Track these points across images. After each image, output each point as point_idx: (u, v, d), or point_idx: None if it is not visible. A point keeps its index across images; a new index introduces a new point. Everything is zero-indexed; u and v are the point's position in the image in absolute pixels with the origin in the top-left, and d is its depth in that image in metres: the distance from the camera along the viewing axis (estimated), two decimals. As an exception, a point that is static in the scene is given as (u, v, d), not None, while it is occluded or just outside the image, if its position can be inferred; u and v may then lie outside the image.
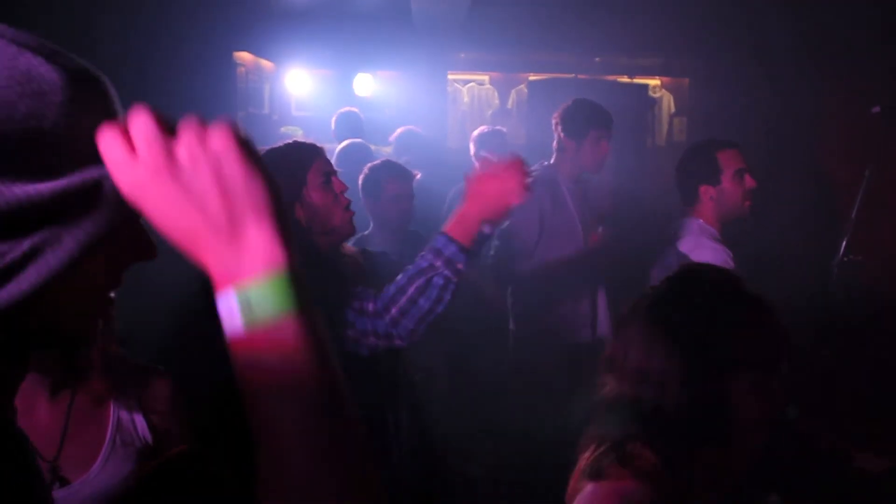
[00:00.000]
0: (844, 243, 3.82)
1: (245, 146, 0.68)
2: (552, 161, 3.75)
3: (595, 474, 1.40)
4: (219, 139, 0.67)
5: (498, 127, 5.06)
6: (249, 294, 0.65)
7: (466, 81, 9.32)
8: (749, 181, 3.05)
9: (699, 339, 1.39)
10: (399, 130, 5.34)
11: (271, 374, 0.65)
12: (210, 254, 0.67)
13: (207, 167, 0.66)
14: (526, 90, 8.20)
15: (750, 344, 1.41)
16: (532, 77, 8.31)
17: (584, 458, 1.45)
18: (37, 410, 1.71)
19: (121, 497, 1.61)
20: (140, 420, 1.80)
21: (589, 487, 1.39)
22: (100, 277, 0.74)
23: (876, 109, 3.95)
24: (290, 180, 2.20)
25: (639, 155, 6.39)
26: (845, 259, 3.77)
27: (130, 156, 0.66)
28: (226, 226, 0.66)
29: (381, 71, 8.36)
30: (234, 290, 0.66)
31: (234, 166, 0.66)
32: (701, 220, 3.08)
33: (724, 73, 6.71)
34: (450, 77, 8.90)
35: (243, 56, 7.44)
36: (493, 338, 3.72)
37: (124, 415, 1.79)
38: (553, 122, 3.73)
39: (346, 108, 5.53)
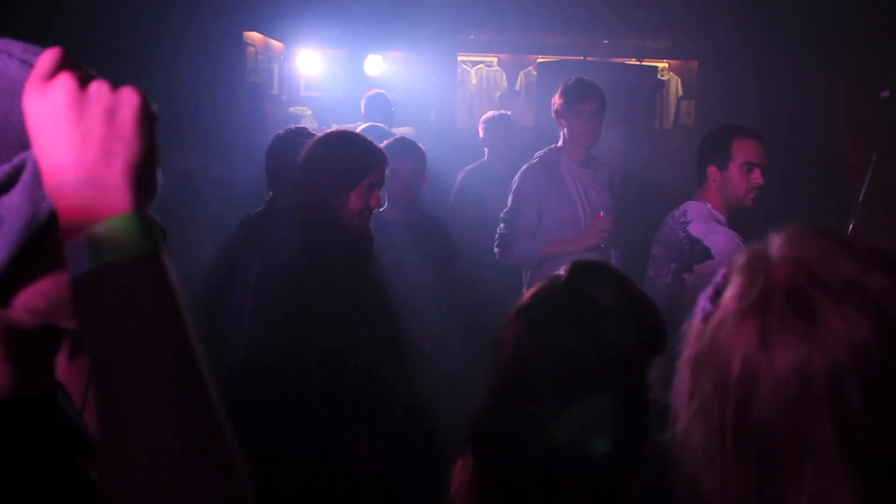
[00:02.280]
0: (851, 227, 3.83)
1: (146, 109, 0.73)
2: (558, 144, 3.79)
3: None
4: (127, 93, 0.73)
5: (504, 111, 5.08)
6: (99, 233, 0.68)
7: (475, 63, 9.32)
8: (756, 177, 3.06)
9: (600, 340, 1.37)
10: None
11: (113, 315, 0.67)
12: (70, 190, 0.69)
13: (104, 107, 0.71)
14: (534, 72, 8.20)
15: (640, 339, 1.40)
16: (540, 59, 8.31)
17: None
18: (58, 370, 1.79)
19: None
20: None
21: None
22: None
23: (885, 94, 3.95)
24: (350, 171, 2.44)
25: (647, 137, 6.40)
26: (851, 243, 3.78)
27: (46, 81, 0.72)
28: (94, 162, 0.70)
29: (391, 52, 8.37)
30: (84, 231, 0.68)
31: (127, 117, 0.72)
32: (709, 205, 3.11)
33: (733, 56, 6.70)
34: (458, 58, 8.90)
35: (253, 36, 7.45)
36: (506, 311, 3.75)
37: None
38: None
39: (375, 91, 5.59)
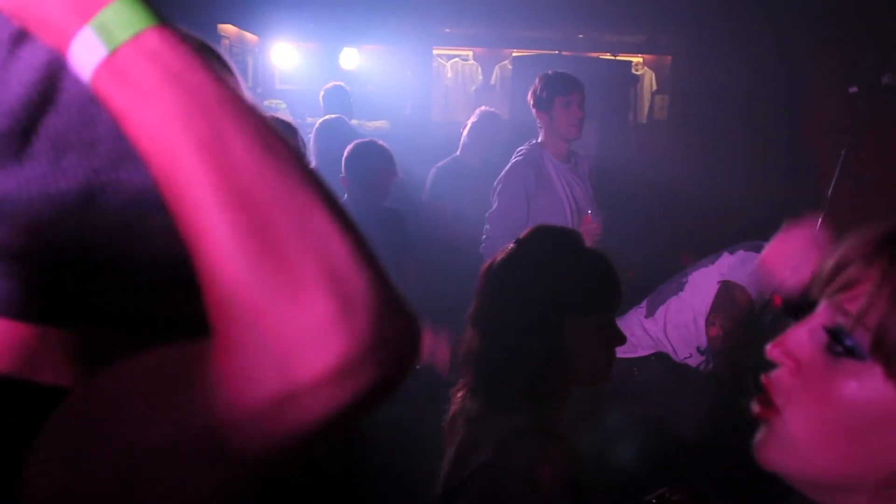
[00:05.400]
0: (820, 220, 3.88)
1: None
2: (539, 140, 3.74)
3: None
4: None
5: (493, 109, 5.03)
6: (105, 17, 0.60)
7: (450, 56, 9.31)
8: None
9: (536, 290, 1.59)
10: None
11: (150, 85, 0.59)
12: None
13: None
14: (510, 66, 8.22)
15: (582, 293, 1.61)
16: (516, 53, 8.32)
17: (457, 401, 1.66)
18: None
19: None
20: None
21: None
22: None
23: (853, 89, 4.00)
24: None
25: (620, 132, 6.44)
26: (821, 236, 3.83)
27: None
28: None
29: (366, 45, 8.34)
30: (88, 22, 0.60)
31: None
32: None
33: (706, 51, 6.75)
34: (434, 52, 8.89)
35: (227, 28, 7.40)
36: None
37: None
38: (529, 103, 3.75)
39: (333, 83, 5.52)
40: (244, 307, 0.55)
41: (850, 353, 0.78)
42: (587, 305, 1.62)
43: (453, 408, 1.68)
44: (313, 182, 0.59)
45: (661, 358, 3.18)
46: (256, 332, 0.54)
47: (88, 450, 0.58)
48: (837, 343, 0.79)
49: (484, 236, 3.65)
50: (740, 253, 3.15)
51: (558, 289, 1.60)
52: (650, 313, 3.20)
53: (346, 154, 3.58)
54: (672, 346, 3.17)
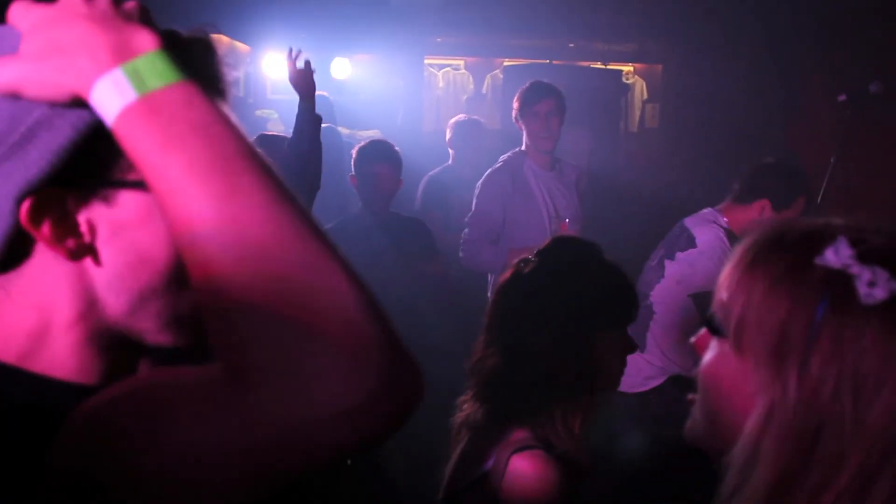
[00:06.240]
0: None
1: None
2: (522, 148, 3.78)
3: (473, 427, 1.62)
4: None
5: (474, 116, 5.08)
6: (138, 65, 0.65)
7: (441, 66, 9.32)
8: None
9: (559, 305, 1.57)
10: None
11: (177, 131, 0.63)
12: (86, 42, 0.65)
13: None
14: (501, 75, 8.24)
15: (609, 307, 1.61)
16: (507, 62, 8.34)
17: (464, 409, 1.66)
18: None
19: None
20: None
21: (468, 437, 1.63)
22: None
23: (842, 98, 4.03)
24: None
25: (612, 140, 6.46)
26: (810, 243, 3.84)
27: None
28: (108, 14, 0.67)
29: (358, 54, 8.35)
30: (120, 66, 0.65)
31: None
32: (726, 219, 3.10)
33: (697, 60, 6.78)
34: (425, 61, 8.91)
35: (219, 39, 7.40)
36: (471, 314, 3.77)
37: None
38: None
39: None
40: (265, 346, 0.60)
41: (721, 334, 0.90)
42: (609, 319, 1.61)
43: (460, 415, 1.67)
44: (321, 234, 0.64)
45: (675, 381, 3.14)
46: (276, 368, 0.60)
47: (130, 440, 0.63)
48: (711, 327, 0.91)
49: (462, 241, 3.69)
50: (679, 256, 3.10)
51: (582, 303, 1.58)
52: (642, 347, 3.14)
53: (353, 158, 3.63)
54: (677, 363, 3.12)
